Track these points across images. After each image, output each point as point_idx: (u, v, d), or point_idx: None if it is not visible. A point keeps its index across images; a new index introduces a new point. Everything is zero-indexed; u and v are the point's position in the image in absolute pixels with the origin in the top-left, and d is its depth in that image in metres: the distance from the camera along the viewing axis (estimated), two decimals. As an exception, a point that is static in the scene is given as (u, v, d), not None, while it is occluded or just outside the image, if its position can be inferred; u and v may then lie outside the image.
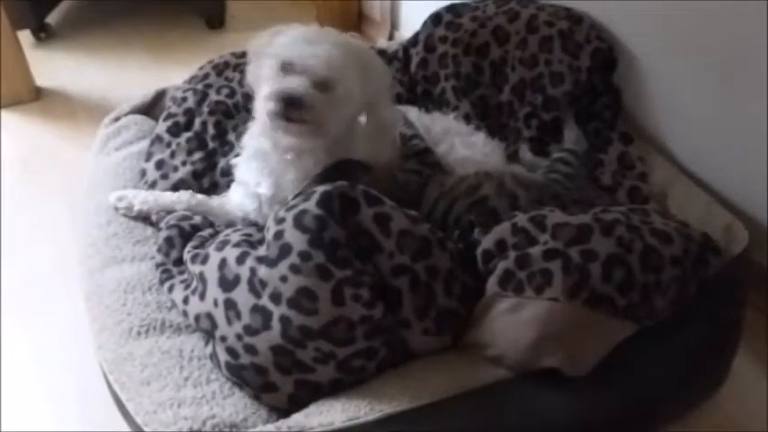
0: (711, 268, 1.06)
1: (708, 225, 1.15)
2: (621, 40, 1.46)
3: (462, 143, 1.31)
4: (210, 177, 1.33)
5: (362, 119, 1.20)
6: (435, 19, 1.59)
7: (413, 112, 1.38)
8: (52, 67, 2.20)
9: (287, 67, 1.08)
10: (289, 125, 1.09)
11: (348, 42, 1.13)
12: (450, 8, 1.59)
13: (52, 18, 2.43)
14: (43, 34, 2.37)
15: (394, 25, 2.22)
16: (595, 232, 0.99)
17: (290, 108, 1.06)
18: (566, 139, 1.39)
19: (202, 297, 1.00)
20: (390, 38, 2.20)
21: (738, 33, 1.23)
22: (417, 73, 1.56)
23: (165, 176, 1.33)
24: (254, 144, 1.19)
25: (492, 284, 1.00)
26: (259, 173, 1.17)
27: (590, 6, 1.50)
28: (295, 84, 1.06)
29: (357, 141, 1.18)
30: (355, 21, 2.36)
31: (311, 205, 0.95)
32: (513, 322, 0.97)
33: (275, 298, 0.92)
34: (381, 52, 1.62)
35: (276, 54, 1.09)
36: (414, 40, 1.60)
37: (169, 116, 1.43)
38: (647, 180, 1.36)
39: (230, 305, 0.96)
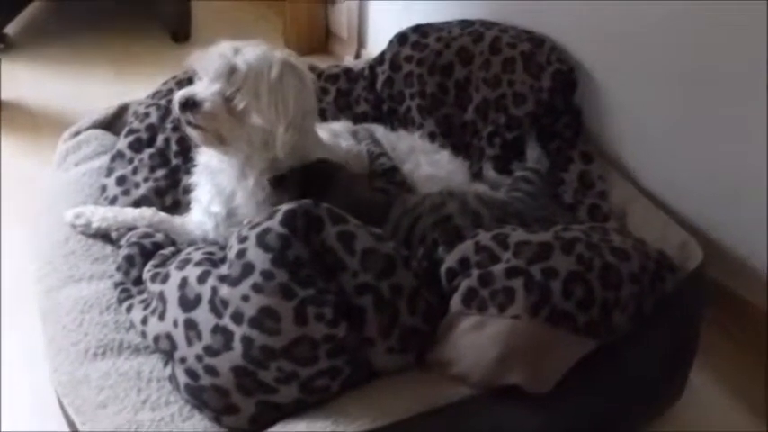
0: (668, 285, 1.08)
1: (664, 243, 1.18)
2: (582, 62, 1.51)
3: (427, 161, 1.33)
4: (173, 195, 1.31)
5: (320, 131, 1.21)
6: (401, 38, 1.60)
7: (379, 131, 1.39)
8: (11, 79, 2.14)
9: (194, 76, 1.12)
10: (191, 131, 1.11)
11: (266, 57, 1.10)
12: (416, 28, 1.61)
13: (11, 28, 2.37)
14: (1, 45, 2.31)
15: (361, 43, 2.24)
16: (556, 250, 1.01)
17: (186, 111, 1.08)
18: (528, 158, 1.42)
19: (162, 317, 0.98)
20: (357, 56, 2.21)
21: (695, 55, 1.28)
22: (383, 91, 1.58)
23: (126, 192, 1.31)
24: (204, 160, 1.19)
25: (456, 302, 1.01)
26: (210, 190, 1.17)
27: (551, 29, 1.54)
28: (198, 89, 1.09)
29: (316, 147, 1.19)
30: (322, 38, 2.37)
31: (275, 224, 0.95)
32: (476, 340, 0.98)
33: (237, 317, 0.91)
34: (348, 71, 1.63)
35: (190, 65, 1.12)
36: (380, 59, 1.62)
37: (131, 132, 1.41)
38: (606, 198, 1.39)
39: (191, 325, 0.94)
